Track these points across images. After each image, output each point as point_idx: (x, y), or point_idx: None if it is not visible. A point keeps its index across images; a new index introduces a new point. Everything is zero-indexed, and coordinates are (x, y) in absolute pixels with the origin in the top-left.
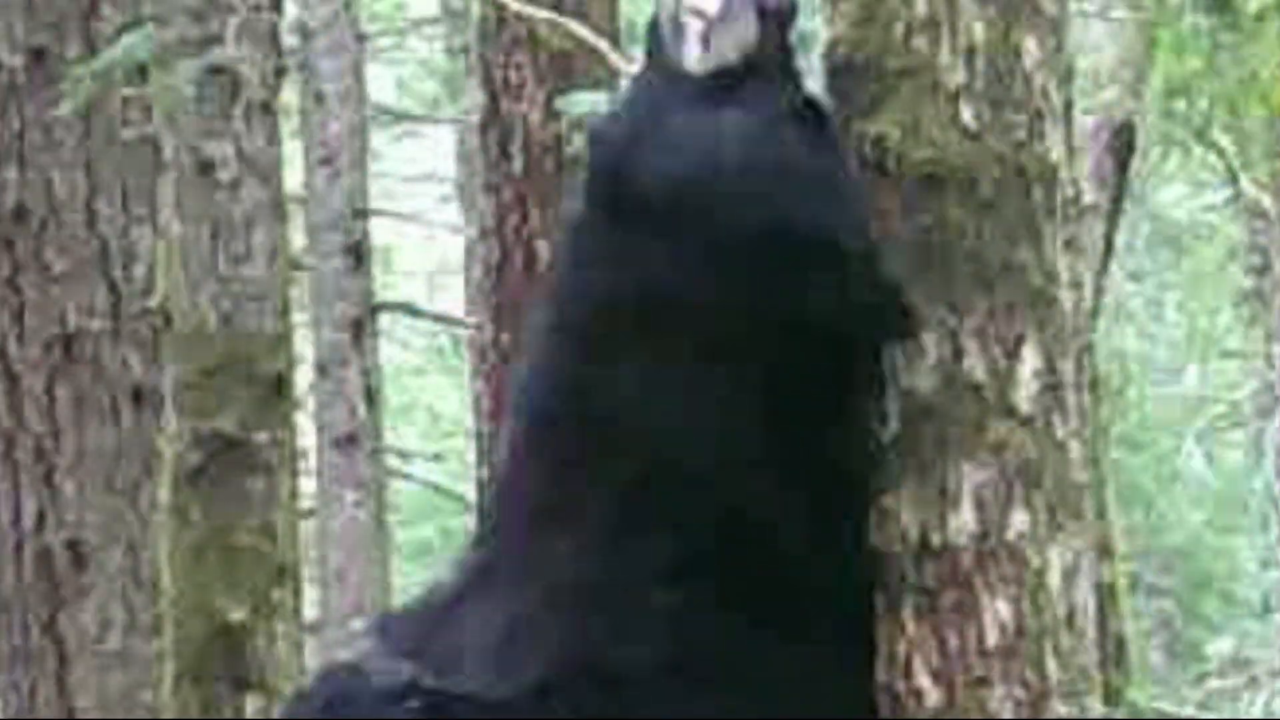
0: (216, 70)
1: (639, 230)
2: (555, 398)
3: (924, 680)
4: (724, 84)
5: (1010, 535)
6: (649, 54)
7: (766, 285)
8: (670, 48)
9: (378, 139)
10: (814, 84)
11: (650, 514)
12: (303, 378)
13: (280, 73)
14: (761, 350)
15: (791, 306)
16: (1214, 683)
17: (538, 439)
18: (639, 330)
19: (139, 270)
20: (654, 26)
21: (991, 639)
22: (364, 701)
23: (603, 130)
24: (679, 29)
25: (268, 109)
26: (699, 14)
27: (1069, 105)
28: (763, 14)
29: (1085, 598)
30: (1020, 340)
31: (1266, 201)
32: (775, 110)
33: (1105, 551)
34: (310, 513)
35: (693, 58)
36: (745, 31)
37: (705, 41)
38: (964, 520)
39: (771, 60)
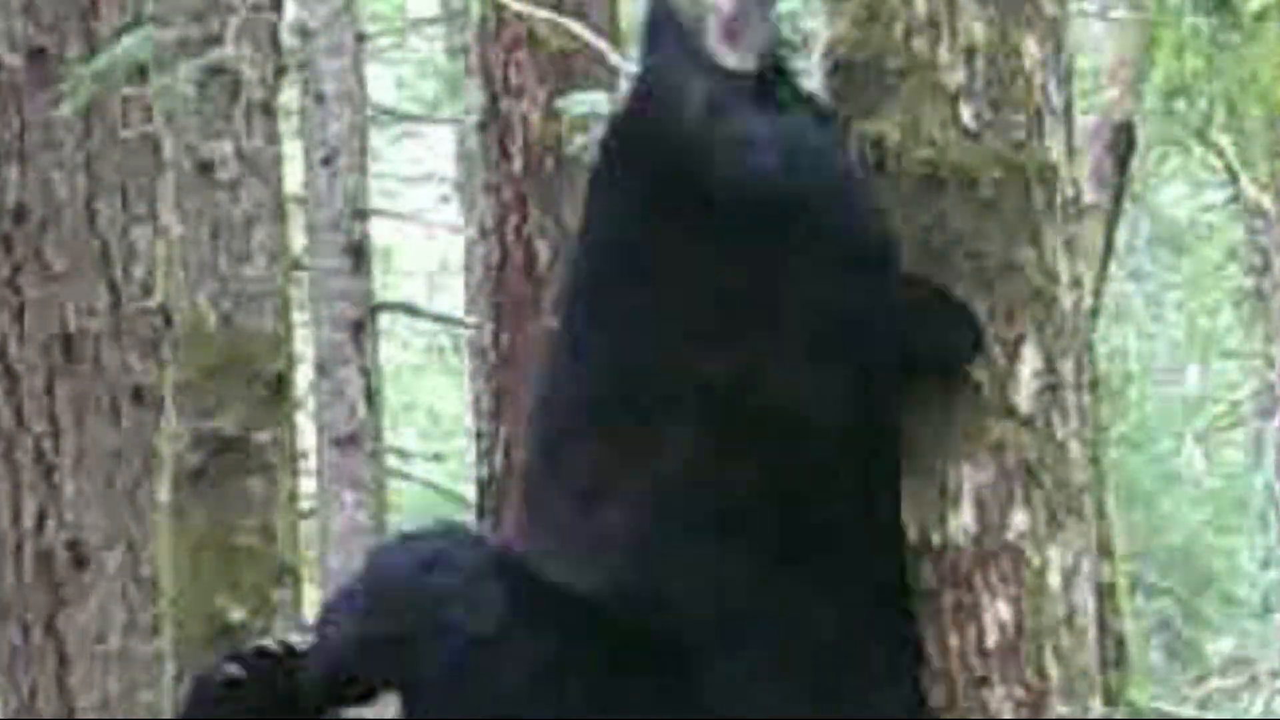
0: (216, 70)
1: (728, 229)
2: (626, 379)
3: (924, 680)
4: (766, 85)
5: (1010, 535)
6: (656, 38)
7: (858, 286)
8: (699, 40)
9: (378, 139)
10: (813, 84)
11: (704, 478)
12: (303, 378)
13: (280, 73)
14: (842, 351)
15: (875, 309)
16: (1214, 683)
17: (597, 414)
18: (729, 318)
19: (139, 270)
20: (660, 11)
21: (991, 639)
22: (458, 565)
23: (655, 125)
24: (703, 22)
25: (268, 109)
26: (718, 9)
27: (1069, 105)
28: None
29: (1085, 598)
30: (1020, 340)
31: (1266, 201)
32: (819, 113)
33: (1105, 551)
34: (310, 513)
35: (723, 53)
36: (769, 32)
37: (730, 36)
38: (964, 520)
39: (783, 59)
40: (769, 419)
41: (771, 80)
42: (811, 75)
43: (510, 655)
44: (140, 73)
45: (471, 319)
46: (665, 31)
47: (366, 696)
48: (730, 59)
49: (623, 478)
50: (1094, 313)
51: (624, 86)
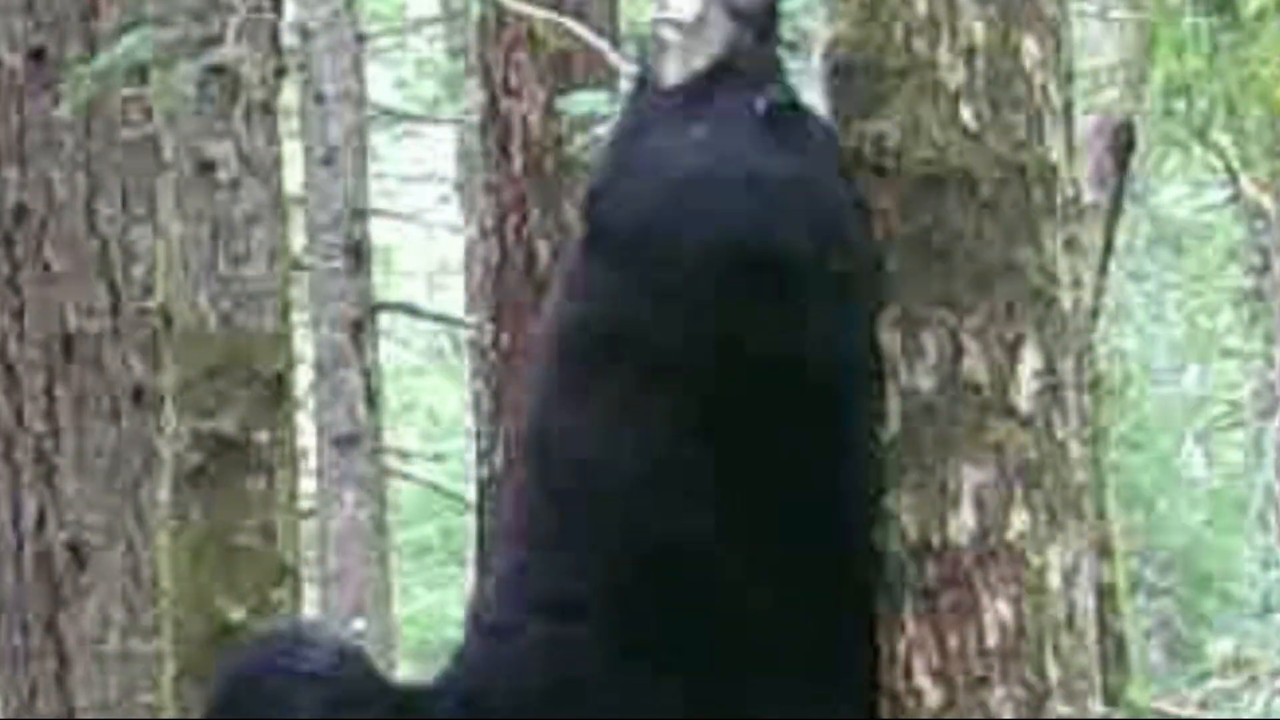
0: (216, 70)
1: (605, 260)
2: (525, 426)
3: (924, 680)
4: (696, 95)
5: (1010, 535)
6: (640, 76)
7: (727, 312)
8: (655, 65)
9: (378, 139)
10: (814, 84)
11: (560, 548)
12: (303, 378)
13: (280, 73)
14: (714, 384)
15: (755, 333)
16: (1214, 683)
17: (517, 465)
18: (592, 362)
19: (139, 270)
20: (645, 46)
21: (991, 639)
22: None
23: (594, 157)
24: (660, 45)
25: (268, 109)
26: (675, 25)
27: (1069, 105)
28: (735, 15)
29: (1085, 598)
30: (1020, 340)
31: (1266, 201)
32: (744, 118)
33: (1105, 551)
34: (310, 513)
35: (672, 71)
36: (715, 35)
37: (685, 53)
38: (964, 520)
39: (750, 63)
40: (572, 464)
41: (715, 87)
42: (811, 75)
43: None
44: (140, 73)
45: (471, 319)
46: (643, 57)
47: None
48: (672, 74)
49: (500, 555)
50: (1094, 313)
51: (624, 86)
